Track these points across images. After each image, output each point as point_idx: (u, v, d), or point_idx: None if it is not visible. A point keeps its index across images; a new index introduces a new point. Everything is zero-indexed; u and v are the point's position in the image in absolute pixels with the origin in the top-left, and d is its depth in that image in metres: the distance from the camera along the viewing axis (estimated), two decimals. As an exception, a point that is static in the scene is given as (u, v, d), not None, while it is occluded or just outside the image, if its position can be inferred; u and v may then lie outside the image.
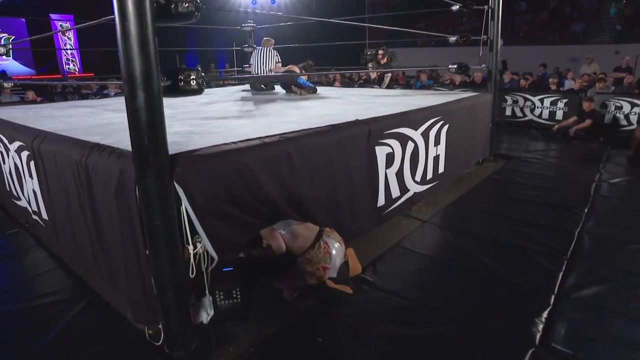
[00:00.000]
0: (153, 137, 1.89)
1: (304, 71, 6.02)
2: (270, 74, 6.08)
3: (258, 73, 6.14)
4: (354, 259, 2.77)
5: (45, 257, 3.30)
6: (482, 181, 5.06)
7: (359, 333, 2.39)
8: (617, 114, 7.60)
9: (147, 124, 1.87)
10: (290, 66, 6.11)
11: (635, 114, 7.40)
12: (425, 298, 2.67)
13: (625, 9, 18.53)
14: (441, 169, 4.52)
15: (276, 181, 2.55)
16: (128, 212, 2.17)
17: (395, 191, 3.74)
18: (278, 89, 6.50)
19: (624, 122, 7.55)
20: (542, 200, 4.33)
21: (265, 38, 6.35)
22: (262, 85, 6.45)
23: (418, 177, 4.06)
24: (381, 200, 3.58)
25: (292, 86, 5.90)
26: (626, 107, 7.50)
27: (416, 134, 3.90)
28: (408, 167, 3.85)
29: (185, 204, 2.12)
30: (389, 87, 7.90)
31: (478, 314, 2.51)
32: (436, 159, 4.35)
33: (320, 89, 6.25)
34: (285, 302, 2.60)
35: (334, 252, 2.59)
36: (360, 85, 10.08)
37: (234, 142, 2.44)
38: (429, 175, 4.26)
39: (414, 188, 4.00)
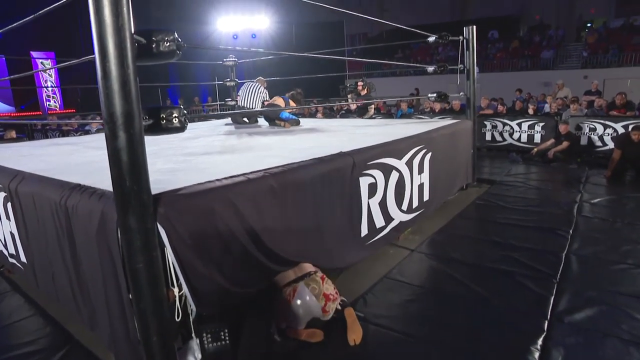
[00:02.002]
0: (135, 177, 1.84)
1: (291, 100, 6.09)
2: (255, 108, 6.12)
3: (244, 105, 6.17)
4: (353, 320, 2.58)
5: (22, 302, 3.15)
6: (467, 207, 5.08)
7: (352, 370, 2.31)
8: (592, 136, 7.80)
9: (128, 164, 1.82)
10: (275, 98, 6.16)
11: (609, 135, 7.60)
12: (417, 330, 2.61)
13: (588, 37, 19.42)
14: (426, 197, 4.52)
15: (258, 217, 2.49)
16: (110, 255, 2.09)
17: (379, 221, 3.70)
18: (261, 121, 6.51)
19: (599, 143, 7.75)
20: (527, 224, 4.35)
21: (259, 78, 6.55)
22: (245, 119, 6.45)
23: (404, 206, 4.04)
24: (364, 230, 3.53)
25: (275, 120, 5.92)
26: (599, 129, 7.71)
27: (400, 163, 3.91)
28: (392, 196, 3.83)
29: (167, 245, 2.04)
30: (370, 116, 8.01)
31: (472, 343, 2.45)
32: (421, 187, 4.35)
33: (303, 121, 6.27)
34: (273, 342, 2.50)
35: (297, 301, 2.48)
36: (342, 116, 10.18)
37: (217, 179, 2.38)
38: (415, 204, 4.25)
39: (399, 217, 3.98)
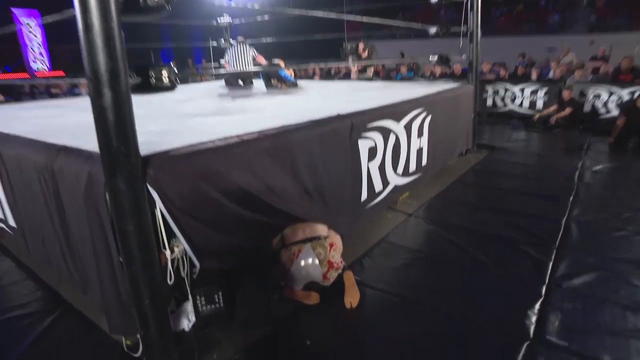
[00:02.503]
0: (122, 138, 1.77)
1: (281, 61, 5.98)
2: (249, 68, 5.99)
3: (236, 69, 6.04)
4: (351, 284, 2.59)
5: (13, 267, 3.14)
6: (466, 172, 5.04)
7: (348, 334, 2.32)
8: (596, 102, 7.69)
9: (115, 124, 1.75)
10: (276, 60, 6.05)
11: (613, 102, 7.49)
12: (414, 294, 2.61)
13: (597, 0, 18.90)
14: (424, 162, 4.49)
15: (255, 180, 2.45)
16: (98, 218, 2.05)
17: (378, 185, 3.67)
18: (257, 84, 6.38)
19: (603, 110, 7.64)
20: (527, 190, 4.33)
21: (238, 37, 6.35)
22: (240, 82, 6.32)
23: (400, 170, 4.00)
24: (364, 195, 3.51)
25: (272, 80, 5.81)
26: (604, 96, 7.59)
27: (399, 127, 3.84)
28: (390, 159, 3.80)
29: (160, 207, 2.00)
30: (370, 79, 7.88)
31: (469, 308, 2.46)
32: (419, 151, 4.30)
33: (300, 83, 6.16)
34: (270, 304, 2.51)
35: (301, 262, 2.48)
36: (341, 79, 10.01)
37: (211, 141, 2.32)
38: (412, 168, 4.21)
39: (395, 181, 3.95)
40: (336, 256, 2.58)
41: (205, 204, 2.20)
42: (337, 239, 2.66)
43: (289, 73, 5.82)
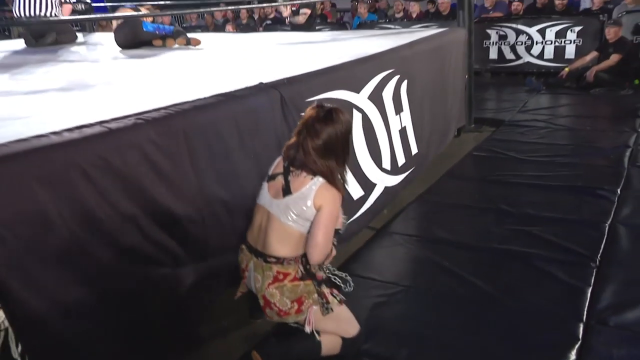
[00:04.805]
0: None
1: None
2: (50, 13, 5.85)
3: (27, 14, 5.89)
4: None
5: None
6: (460, 161, 5.18)
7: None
8: (660, 41, 7.73)
9: None
10: (121, 9, 5.92)
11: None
12: (387, 350, 2.65)
13: None
14: (414, 148, 4.56)
15: (126, 192, 2.39)
16: None
17: (356, 190, 3.72)
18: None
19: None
20: (551, 182, 4.46)
21: None
22: (47, 38, 6.10)
23: (387, 164, 4.09)
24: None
25: (152, 42, 5.69)
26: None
27: (361, 99, 3.88)
28: (365, 149, 3.86)
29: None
30: (309, 28, 7.89)
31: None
32: (403, 133, 4.39)
33: (203, 37, 6.08)
34: None
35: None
36: (267, 29, 10.00)
37: (52, 134, 2.25)
38: (401, 159, 4.28)
39: (383, 180, 4.03)
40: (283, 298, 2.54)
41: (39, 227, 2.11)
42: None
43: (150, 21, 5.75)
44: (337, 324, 2.48)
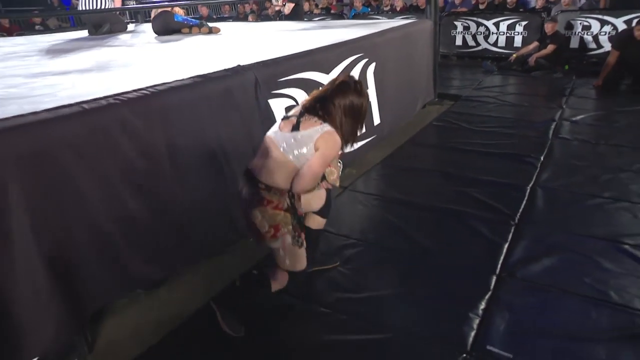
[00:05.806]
0: None
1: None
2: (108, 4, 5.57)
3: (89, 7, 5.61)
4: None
5: None
6: (421, 130, 4.90)
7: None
8: (585, 36, 7.60)
9: None
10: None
11: (605, 33, 7.39)
12: (333, 297, 2.43)
13: None
14: (376, 120, 4.30)
15: (109, 168, 2.14)
16: None
17: None
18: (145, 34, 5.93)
19: (593, 46, 7.58)
20: (491, 149, 4.23)
21: None
22: (103, 28, 5.80)
23: None
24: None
25: (181, 31, 5.45)
26: (595, 27, 7.49)
27: (329, 79, 3.58)
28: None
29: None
30: (296, 17, 7.61)
31: (403, 314, 2.29)
32: (366, 107, 4.12)
33: (223, 27, 5.82)
34: None
35: None
36: (282, 19, 9.60)
37: (33, 113, 1.97)
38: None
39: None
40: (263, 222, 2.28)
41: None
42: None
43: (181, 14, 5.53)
44: (295, 259, 2.21)
